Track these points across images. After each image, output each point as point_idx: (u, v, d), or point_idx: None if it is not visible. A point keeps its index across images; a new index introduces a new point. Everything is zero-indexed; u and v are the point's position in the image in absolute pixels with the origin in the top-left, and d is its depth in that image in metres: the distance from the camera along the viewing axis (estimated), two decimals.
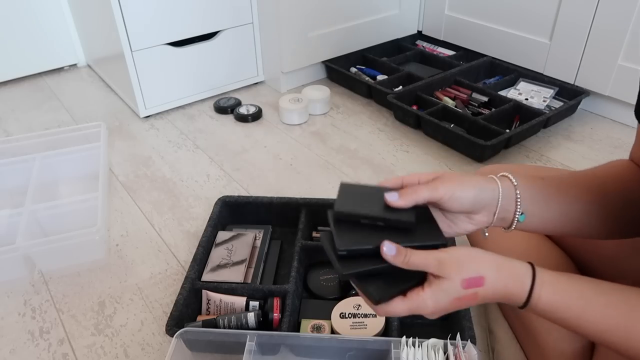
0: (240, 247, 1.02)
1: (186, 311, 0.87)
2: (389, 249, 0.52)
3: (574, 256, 0.78)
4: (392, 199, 0.55)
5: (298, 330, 0.86)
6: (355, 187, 0.60)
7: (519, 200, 0.58)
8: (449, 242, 0.56)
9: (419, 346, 0.74)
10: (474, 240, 0.91)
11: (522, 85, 1.60)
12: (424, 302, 0.53)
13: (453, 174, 0.58)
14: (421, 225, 0.56)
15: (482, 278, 0.51)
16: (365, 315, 0.86)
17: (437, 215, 0.58)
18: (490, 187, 0.57)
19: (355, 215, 0.56)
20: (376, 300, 0.54)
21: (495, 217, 0.58)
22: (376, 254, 0.53)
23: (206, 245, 1.01)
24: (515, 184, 0.58)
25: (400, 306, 0.54)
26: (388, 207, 0.55)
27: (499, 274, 0.52)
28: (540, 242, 0.80)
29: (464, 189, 0.56)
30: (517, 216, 0.59)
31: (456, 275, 0.51)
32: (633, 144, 0.66)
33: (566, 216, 0.61)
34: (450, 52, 1.89)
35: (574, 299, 0.51)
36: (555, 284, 0.52)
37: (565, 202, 0.61)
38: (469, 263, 0.52)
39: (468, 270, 0.51)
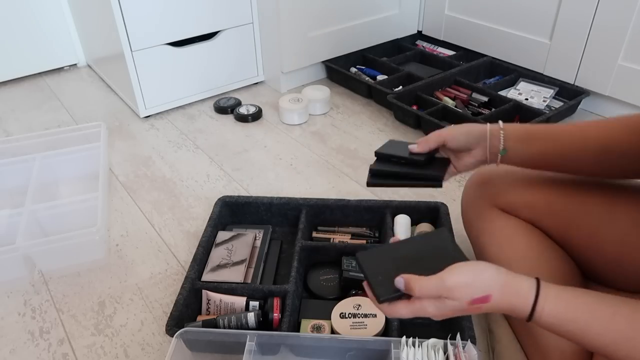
0: (240, 247, 1.02)
1: (186, 311, 0.87)
2: (399, 283, 0.58)
3: (577, 258, 0.78)
4: (412, 147, 0.79)
5: (298, 330, 0.86)
6: (394, 143, 0.85)
7: (502, 136, 0.74)
8: (461, 258, 0.61)
9: (419, 346, 0.74)
10: (479, 249, 0.91)
11: (522, 85, 1.60)
12: (426, 308, 0.56)
13: (457, 125, 0.78)
14: (433, 165, 0.80)
15: (488, 297, 0.54)
16: (365, 315, 0.86)
17: (449, 155, 0.80)
18: (479, 128, 0.76)
19: (388, 155, 0.82)
20: (380, 300, 0.58)
21: (488, 151, 0.76)
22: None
23: (206, 245, 1.01)
24: (502, 126, 0.75)
25: (403, 309, 0.57)
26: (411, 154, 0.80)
27: (503, 292, 0.55)
28: (543, 244, 0.80)
29: (459, 131, 0.77)
30: (499, 150, 0.74)
31: (464, 298, 0.55)
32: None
33: (544, 156, 0.74)
34: (450, 52, 1.89)
35: (579, 312, 0.52)
36: (559, 297, 0.53)
37: (546, 144, 0.73)
38: (477, 284, 0.55)
39: (475, 291, 0.54)
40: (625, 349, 0.50)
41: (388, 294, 0.58)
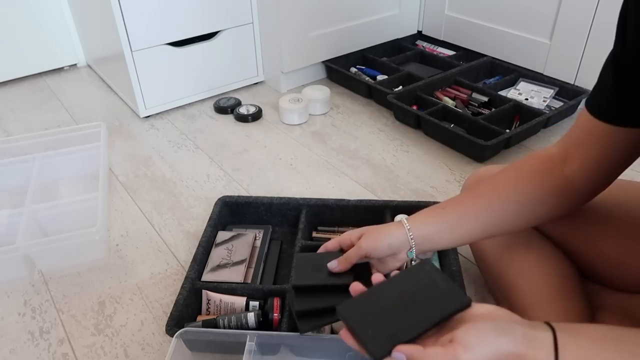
0: (240, 247, 1.02)
1: (186, 311, 0.87)
2: (398, 357, 0.49)
3: (575, 258, 0.78)
4: (332, 266, 0.72)
5: (298, 330, 0.86)
6: (308, 258, 0.76)
7: (412, 240, 0.70)
8: (455, 292, 0.54)
9: None
10: (477, 250, 0.91)
11: (522, 85, 1.60)
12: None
13: (373, 229, 0.73)
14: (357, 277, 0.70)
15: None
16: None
17: (372, 260, 0.73)
18: (399, 234, 0.70)
19: (307, 286, 0.72)
20: (378, 358, 0.50)
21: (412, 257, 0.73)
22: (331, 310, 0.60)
23: (206, 245, 1.01)
24: (408, 227, 0.70)
25: (440, 355, 0.48)
26: (332, 273, 0.72)
27: (525, 343, 0.48)
28: (541, 245, 0.80)
29: (379, 243, 0.70)
30: (407, 253, 0.71)
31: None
32: (568, 133, 0.69)
33: (471, 233, 0.71)
34: (450, 52, 1.89)
35: (601, 348, 0.48)
36: (578, 339, 0.49)
37: (467, 224, 0.70)
38: (481, 341, 0.48)
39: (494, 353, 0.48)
40: None
41: (384, 350, 0.50)
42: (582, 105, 1.54)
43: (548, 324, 0.50)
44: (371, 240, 0.71)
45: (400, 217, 1.04)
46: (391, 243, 0.70)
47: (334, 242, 0.75)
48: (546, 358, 0.48)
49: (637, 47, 0.53)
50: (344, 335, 0.54)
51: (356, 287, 0.59)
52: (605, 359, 0.48)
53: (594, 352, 0.49)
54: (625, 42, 0.55)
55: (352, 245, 0.73)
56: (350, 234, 0.74)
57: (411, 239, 0.70)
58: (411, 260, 0.79)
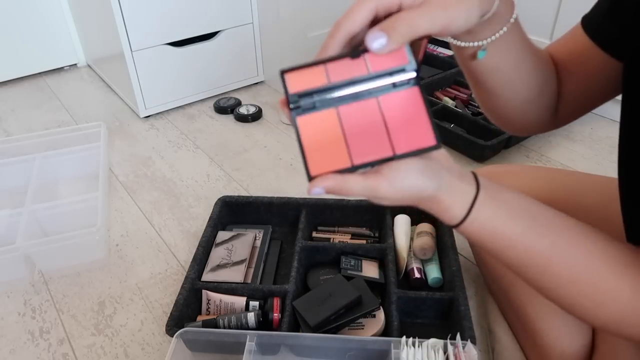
0: (240, 247, 1.02)
1: (186, 311, 0.87)
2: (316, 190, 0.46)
3: None
4: (378, 46, 0.41)
5: (298, 331, 0.86)
6: (306, 299, 0.86)
7: (501, 32, 0.50)
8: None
9: (419, 346, 0.74)
10: (480, 259, 0.91)
11: None
12: (380, 183, 0.45)
13: None
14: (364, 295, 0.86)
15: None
16: (364, 316, 0.86)
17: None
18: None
19: (326, 320, 0.82)
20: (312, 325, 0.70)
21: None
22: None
23: (206, 245, 1.01)
24: (514, 18, 0.51)
25: (358, 183, 0.45)
26: (338, 295, 0.85)
27: (448, 191, 0.47)
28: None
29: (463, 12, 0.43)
30: (479, 43, 0.51)
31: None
32: (557, 40, 0.64)
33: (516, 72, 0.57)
34: (450, 52, 1.89)
35: (510, 223, 0.49)
36: (493, 209, 0.49)
37: (525, 59, 0.56)
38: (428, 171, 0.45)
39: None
40: (539, 267, 0.49)
41: (317, 320, 0.81)
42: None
43: (477, 178, 0.50)
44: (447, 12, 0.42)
45: (401, 217, 1.04)
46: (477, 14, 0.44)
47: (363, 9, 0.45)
48: (459, 211, 0.48)
49: None
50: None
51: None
52: (513, 233, 0.49)
53: (504, 222, 0.49)
54: None
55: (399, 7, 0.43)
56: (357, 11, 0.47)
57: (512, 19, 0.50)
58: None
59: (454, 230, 0.81)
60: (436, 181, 0.46)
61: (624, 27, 0.53)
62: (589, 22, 0.59)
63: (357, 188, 0.45)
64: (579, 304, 0.49)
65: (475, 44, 0.51)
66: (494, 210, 0.49)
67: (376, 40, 0.40)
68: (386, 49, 0.40)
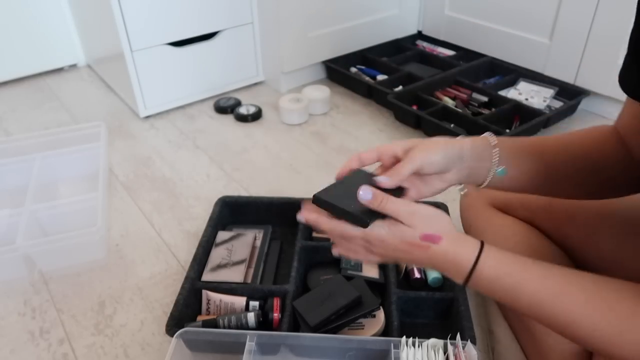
0: (240, 247, 1.02)
1: (186, 311, 0.87)
2: (365, 194, 0.57)
3: (574, 257, 0.78)
4: (382, 180, 0.60)
5: (298, 330, 0.86)
6: (306, 299, 0.85)
7: (496, 158, 0.64)
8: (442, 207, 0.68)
9: (419, 346, 0.74)
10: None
11: (522, 85, 1.60)
12: (379, 228, 0.57)
13: (424, 141, 0.64)
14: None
15: (439, 237, 0.56)
16: (364, 316, 0.86)
17: (412, 180, 0.64)
18: (457, 147, 0.64)
19: (326, 320, 0.81)
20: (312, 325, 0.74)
21: (466, 173, 0.65)
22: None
23: (206, 245, 1.01)
24: (494, 143, 0.64)
25: (356, 230, 0.58)
26: (338, 295, 0.84)
27: (455, 241, 0.56)
28: (540, 243, 0.80)
29: (436, 155, 0.62)
30: (491, 173, 0.64)
31: (419, 228, 0.56)
32: (620, 113, 0.66)
33: (531, 177, 0.65)
34: (450, 52, 1.89)
35: (516, 269, 0.54)
36: (500, 256, 0.55)
37: (538, 162, 0.65)
38: (436, 222, 0.57)
39: (432, 227, 0.56)
40: (551, 310, 0.52)
41: (315, 320, 0.80)
42: (583, 105, 1.54)
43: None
44: (426, 150, 0.62)
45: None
46: (446, 154, 0.62)
47: (371, 152, 0.65)
48: (474, 242, 0.56)
49: None
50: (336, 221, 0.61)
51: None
52: (524, 259, 0.55)
53: (514, 265, 0.55)
54: None
55: (395, 159, 0.64)
56: (393, 146, 0.64)
57: (494, 154, 0.63)
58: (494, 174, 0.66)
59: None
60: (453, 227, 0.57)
61: None
62: (623, 81, 0.58)
63: (393, 208, 0.58)
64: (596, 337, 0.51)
65: (458, 187, 0.70)
66: (501, 255, 0.55)
67: (381, 179, 0.61)
68: (387, 184, 0.60)
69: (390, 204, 0.57)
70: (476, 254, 0.55)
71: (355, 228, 0.58)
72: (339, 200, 0.59)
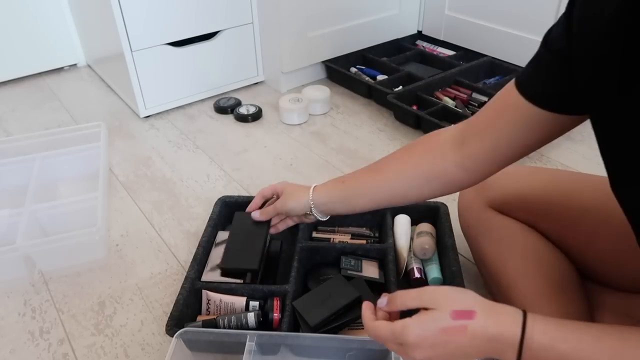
0: None
1: (186, 311, 0.87)
2: (381, 303, 0.60)
3: (574, 258, 0.78)
4: (255, 215, 0.95)
5: (298, 330, 0.86)
6: (306, 299, 0.86)
7: (312, 206, 0.86)
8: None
9: None
10: (476, 250, 0.91)
11: None
12: (409, 326, 0.52)
13: (289, 191, 0.90)
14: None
15: (472, 312, 0.50)
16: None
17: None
18: (303, 200, 0.86)
19: (326, 320, 0.82)
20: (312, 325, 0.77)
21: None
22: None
23: (206, 245, 1.00)
24: (311, 198, 0.85)
25: (384, 328, 0.55)
26: (338, 295, 0.85)
27: (490, 312, 0.50)
28: (540, 244, 0.80)
29: (289, 206, 0.89)
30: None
31: (446, 306, 0.51)
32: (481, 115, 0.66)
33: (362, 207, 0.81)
34: (450, 52, 1.89)
35: (568, 333, 0.49)
36: (546, 321, 0.50)
37: (360, 198, 0.81)
38: (461, 298, 0.51)
39: (459, 304, 0.51)
40: None
41: (316, 320, 0.81)
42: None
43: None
44: (283, 204, 0.89)
45: (401, 217, 1.04)
46: (294, 208, 0.88)
47: (257, 199, 0.96)
48: (513, 310, 0.50)
49: (583, 43, 0.50)
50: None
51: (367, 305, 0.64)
52: (572, 324, 0.50)
53: (564, 327, 0.49)
54: (570, 37, 0.52)
55: (271, 196, 0.95)
56: (269, 189, 0.94)
57: (312, 205, 0.85)
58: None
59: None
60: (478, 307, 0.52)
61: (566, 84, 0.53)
62: (529, 88, 0.58)
63: (412, 301, 0.58)
64: None
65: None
66: (548, 319, 0.49)
67: (254, 214, 0.97)
68: (259, 218, 0.96)
69: (407, 299, 0.56)
70: (521, 320, 0.49)
71: (382, 330, 0.58)
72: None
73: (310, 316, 0.82)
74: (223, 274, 0.93)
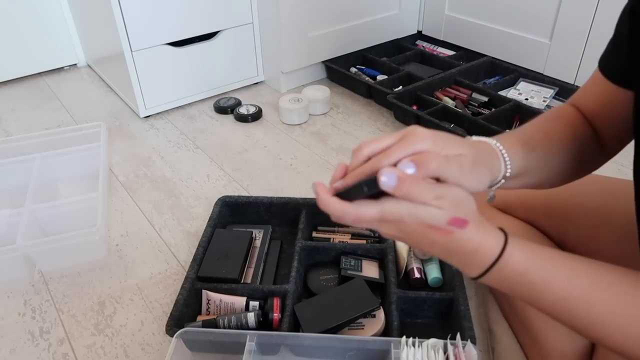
0: None
1: (186, 311, 0.87)
2: (389, 179, 0.45)
3: None
4: (409, 169, 0.47)
5: (298, 330, 0.86)
6: (309, 304, 0.86)
7: (508, 163, 0.58)
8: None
9: (419, 346, 0.74)
10: None
11: (522, 85, 1.60)
12: (398, 208, 0.46)
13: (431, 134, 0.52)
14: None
15: (466, 222, 0.47)
16: (364, 316, 0.86)
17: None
18: (489, 156, 0.59)
19: (336, 327, 0.82)
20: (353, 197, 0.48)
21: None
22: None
23: (206, 245, 1.00)
24: (501, 147, 0.60)
25: (372, 209, 0.47)
26: (348, 304, 0.84)
27: (478, 227, 0.49)
28: (539, 240, 0.80)
29: (471, 175, 0.51)
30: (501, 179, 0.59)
31: (448, 210, 0.47)
32: (582, 88, 0.66)
33: (533, 171, 0.62)
34: (450, 52, 1.89)
35: (544, 260, 0.49)
36: (526, 244, 0.50)
37: (533, 158, 0.61)
38: (466, 206, 0.48)
39: (461, 211, 0.47)
40: (580, 308, 0.48)
41: (315, 329, 0.78)
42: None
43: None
44: (462, 173, 0.50)
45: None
46: (479, 172, 0.54)
47: (339, 170, 0.54)
48: (498, 231, 0.50)
49: None
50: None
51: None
52: (550, 253, 0.50)
53: (541, 258, 0.50)
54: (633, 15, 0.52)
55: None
56: (380, 141, 0.54)
57: (506, 159, 0.59)
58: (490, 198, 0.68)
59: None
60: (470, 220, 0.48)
61: (629, 59, 0.54)
62: (604, 64, 0.60)
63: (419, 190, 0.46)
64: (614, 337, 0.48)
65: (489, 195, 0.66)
66: (529, 247, 0.50)
67: (408, 169, 0.46)
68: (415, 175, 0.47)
69: (415, 187, 0.45)
70: (501, 244, 0.49)
71: (368, 209, 0.47)
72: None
73: (308, 325, 0.83)
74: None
